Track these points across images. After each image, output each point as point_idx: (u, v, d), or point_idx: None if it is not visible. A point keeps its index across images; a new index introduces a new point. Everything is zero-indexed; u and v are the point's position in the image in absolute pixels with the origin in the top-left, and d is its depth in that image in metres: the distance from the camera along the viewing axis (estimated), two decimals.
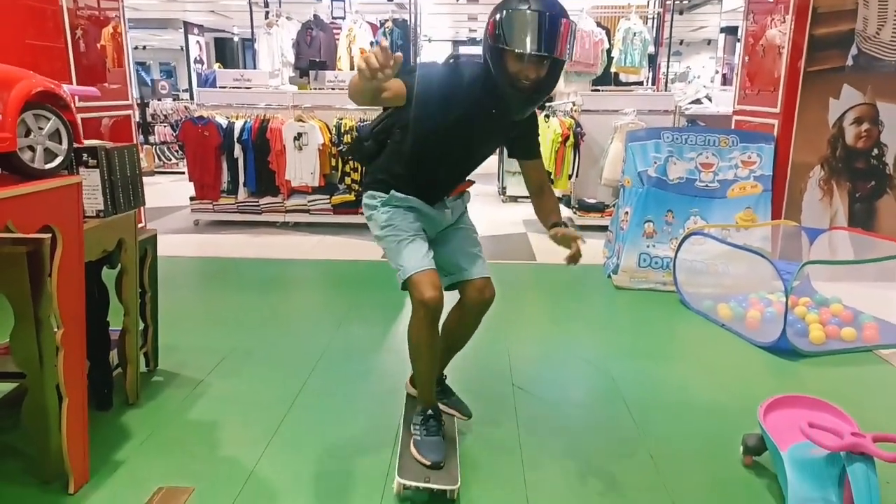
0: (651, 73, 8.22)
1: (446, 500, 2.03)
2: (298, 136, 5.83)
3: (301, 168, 5.90)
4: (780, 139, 4.42)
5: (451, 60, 2.10)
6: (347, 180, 5.98)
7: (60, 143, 2.01)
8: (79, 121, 2.09)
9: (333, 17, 7.68)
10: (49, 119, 1.96)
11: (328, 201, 6.06)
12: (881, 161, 4.39)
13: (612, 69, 7.74)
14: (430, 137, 2.02)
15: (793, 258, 4.05)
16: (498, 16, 1.86)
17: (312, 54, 7.26)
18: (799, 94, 4.30)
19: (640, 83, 8.16)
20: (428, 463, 2.05)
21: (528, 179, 2.28)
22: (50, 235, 1.87)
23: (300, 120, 5.88)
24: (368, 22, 7.81)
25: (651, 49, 7.84)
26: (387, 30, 7.49)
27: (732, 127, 5.01)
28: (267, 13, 7.81)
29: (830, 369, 3.15)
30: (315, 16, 7.60)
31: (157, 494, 2.07)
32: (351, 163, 5.90)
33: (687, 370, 3.12)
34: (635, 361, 3.20)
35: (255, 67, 8.14)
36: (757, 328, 3.53)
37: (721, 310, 3.79)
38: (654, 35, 8.10)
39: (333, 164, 5.96)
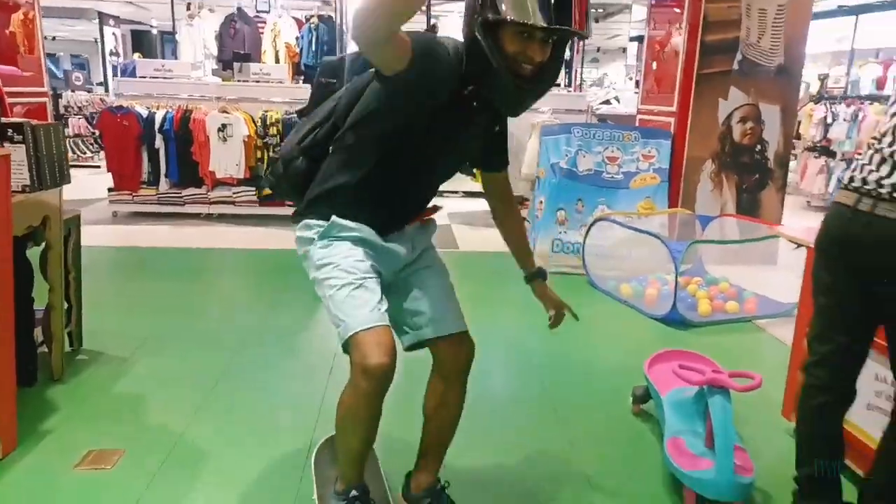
0: (567, 77, 8.65)
1: None
2: (223, 128, 5.84)
3: (226, 159, 5.91)
4: (677, 135, 4.85)
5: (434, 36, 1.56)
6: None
7: None
8: (4, 95, 2.14)
9: (258, 11, 7.70)
10: None
11: (254, 193, 6.10)
12: (763, 156, 4.90)
13: None
14: (400, 134, 1.53)
15: (687, 241, 4.46)
16: None
17: (236, 47, 7.25)
18: (693, 95, 4.73)
19: (558, 85, 8.59)
20: None
21: (495, 195, 1.86)
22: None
23: (224, 111, 5.89)
24: (294, 17, 7.86)
25: (567, 55, 8.27)
26: (312, 25, 7.58)
27: (636, 125, 5.42)
28: (189, 4, 7.73)
29: (714, 336, 3.55)
30: (239, 9, 7.59)
31: (87, 456, 2.15)
32: (273, 152, 5.96)
33: (592, 340, 3.43)
34: (547, 335, 3.47)
35: (176, 59, 8.02)
36: (654, 304, 3.90)
37: (623, 289, 4.15)
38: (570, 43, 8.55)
39: (259, 155, 6.00)
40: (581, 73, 9.40)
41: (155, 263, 4.70)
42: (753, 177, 4.92)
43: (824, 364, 1.77)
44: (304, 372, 2.93)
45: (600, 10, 12.02)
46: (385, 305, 1.55)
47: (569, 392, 2.82)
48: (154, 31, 16.32)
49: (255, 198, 6.12)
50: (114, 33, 14.75)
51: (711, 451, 1.95)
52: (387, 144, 1.55)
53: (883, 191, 1.56)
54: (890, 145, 1.60)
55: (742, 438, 2.13)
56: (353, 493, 1.63)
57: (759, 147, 4.85)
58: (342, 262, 1.55)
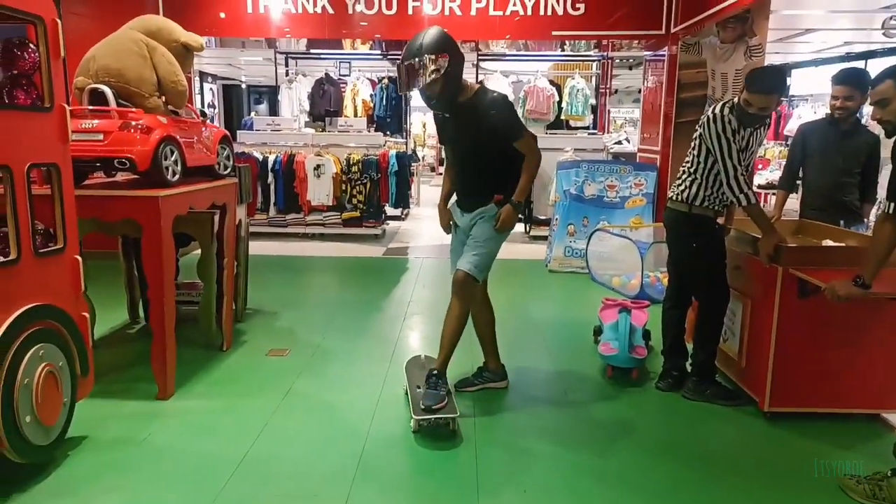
0: (593, 119, 10.19)
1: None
2: (317, 167, 7.68)
3: (319, 191, 7.72)
4: (661, 168, 6.33)
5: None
6: (354, 201, 7.81)
7: (229, 160, 3.84)
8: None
9: (341, 75, 9.63)
10: (226, 149, 3.78)
11: (339, 217, 7.87)
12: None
13: (563, 117, 9.72)
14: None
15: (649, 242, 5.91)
16: None
17: (325, 104, 9.17)
18: (672, 138, 6.23)
19: (586, 127, 10.14)
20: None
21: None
22: (224, 204, 3.68)
23: (318, 155, 7.74)
24: (368, 78, 9.77)
25: (592, 101, 9.86)
26: (383, 85, 9.45)
27: (637, 160, 6.93)
28: (287, 71, 9.75)
29: None
30: (326, 73, 9.55)
31: (270, 351, 3.85)
32: (356, 187, 7.74)
33: (584, 312, 4.92)
34: (557, 314, 5.03)
35: (272, 113, 10.01)
36: (634, 289, 5.37)
37: (615, 281, 5.63)
38: (596, 89, 10.13)
39: (343, 188, 7.79)
40: (609, 114, 10.92)
41: (269, 265, 6.47)
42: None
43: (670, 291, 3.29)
44: (383, 323, 4.57)
45: (632, 60, 13.60)
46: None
47: (566, 347, 4.30)
48: (242, 87, 18.83)
49: (339, 220, 7.89)
50: (211, 89, 17.26)
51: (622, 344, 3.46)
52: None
53: (672, 194, 3.11)
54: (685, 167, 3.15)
55: (645, 343, 3.62)
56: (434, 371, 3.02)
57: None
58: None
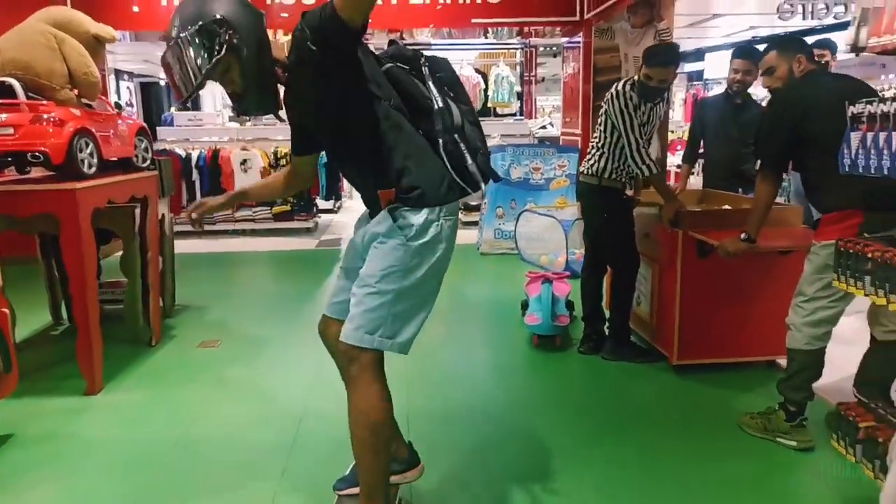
0: (520, 106, 10.45)
1: None
2: (244, 162, 7.59)
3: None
4: (582, 150, 6.59)
5: None
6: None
7: (147, 152, 3.79)
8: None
9: None
10: (143, 141, 3.74)
11: (269, 211, 7.81)
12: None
13: (489, 104, 9.93)
14: None
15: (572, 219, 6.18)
16: None
17: None
18: (590, 121, 6.49)
19: (513, 114, 10.38)
20: None
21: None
22: (145, 197, 3.64)
23: (244, 149, 7.65)
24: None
25: (517, 88, 10.10)
26: None
27: (560, 143, 7.19)
28: None
29: None
30: None
31: (201, 343, 3.84)
32: None
33: (514, 289, 5.10)
34: (488, 293, 5.20)
35: (197, 108, 9.79)
36: (561, 266, 5.60)
37: (542, 259, 5.85)
38: (521, 76, 10.39)
39: None
40: (536, 101, 11.21)
41: (199, 262, 6.38)
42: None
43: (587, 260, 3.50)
44: (316, 311, 4.62)
45: (555, 48, 13.94)
46: (335, 300, 2.02)
47: (492, 316, 4.50)
48: (161, 84, 18.21)
49: (270, 215, 7.82)
50: (128, 87, 16.62)
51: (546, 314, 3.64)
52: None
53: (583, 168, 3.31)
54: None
55: (569, 312, 3.82)
56: None
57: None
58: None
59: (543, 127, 8.45)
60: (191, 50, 1.64)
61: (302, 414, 2.92)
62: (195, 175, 7.64)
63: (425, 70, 1.88)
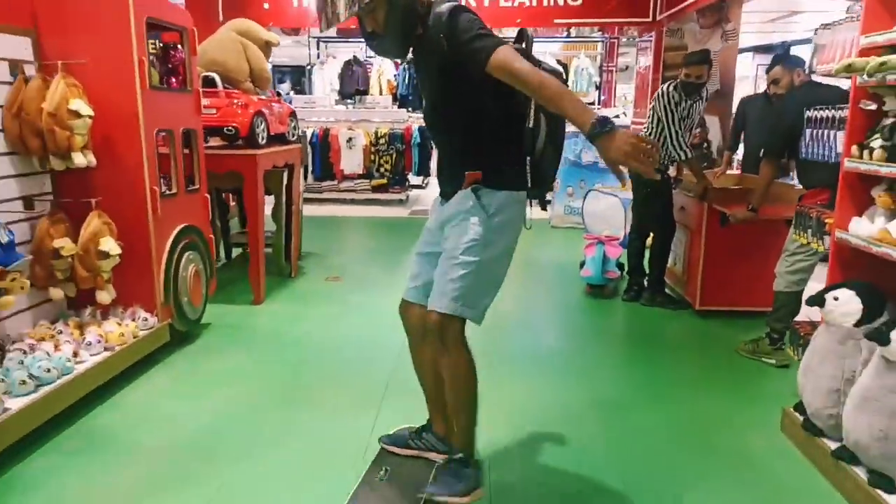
0: (598, 95, 11.14)
1: None
2: (349, 140, 8.77)
3: (351, 161, 8.82)
4: None
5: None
6: (381, 169, 8.89)
7: (295, 129, 4.93)
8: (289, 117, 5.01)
9: (367, 57, 10.66)
10: (293, 121, 4.88)
11: (369, 183, 8.98)
12: (708, 150, 7.31)
13: None
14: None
15: None
16: None
17: (354, 83, 10.23)
18: None
19: (592, 103, 11.10)
20: None
21: None
22: (291, 164, 4.79)
23: (350, 129, 8.83)
24: (392, 60, 10.79)
25: (596, 79, 10.82)
26: (404, 66, 10.46)
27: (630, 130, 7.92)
28: (318, 54, 10.81)
29: None
30: (354, 56, 10.59)
31: (328, 278, 4.99)
32: (384, 157, 8.81)
33: (578, 255, 5.99)
34: (555, 255, 6.13)
35: (299, 92, 11.09)
36: (619, 240, 6.43)
37: (604, 233, 6.69)
38: (600, 67, 11.08)
39: (372, 158, 8.87)
40: (616, 90, 11.86)
41: (314, 223, 7.60)
42: (702, 164, 7.32)
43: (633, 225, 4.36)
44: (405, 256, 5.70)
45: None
46: (413, 285, 2.15)
47: (556, 272, 5.44)
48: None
49: (369, 187, 8.99)
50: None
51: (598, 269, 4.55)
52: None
53: None
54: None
55: (621, 271, 4.69)
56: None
57: (705, 145, 7.27)
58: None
59: (616, 116, 9.18)
60: None
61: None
62: (308, 150, 8.88)
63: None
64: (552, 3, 7.25)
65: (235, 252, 5.56)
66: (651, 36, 7.46)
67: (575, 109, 1.65)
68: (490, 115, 1.92)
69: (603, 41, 11.00)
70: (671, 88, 4.09)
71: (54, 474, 2.32)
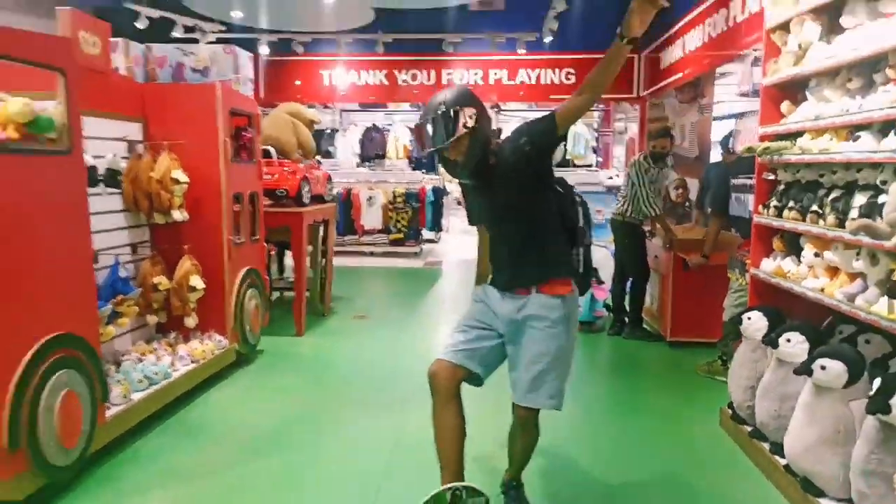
0: (595, 157, 12.16)
1: None
2: (370, 198, 9.74)
3: (371, 218, 9.76)
4: None
5: None
6: (398, 225, 9.81)
7: (331, 191, 5.87)
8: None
9: (385, 125, 11.79)
10: (330, 184, 5.82)
11: (387, 238, 9.89)
12: (689, 208, 8.19)
13: (567, 157, 11.72)
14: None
15: None
16: None
17: (373, 148, 11.31)
18: None
19: (589, 165, 12.10)
20: None
21: None
22: (327, 220, 5.70)
23: (370, 188, 9.81)
24: (407, 127, 11.91)
25: (593, 143, 11.86)
26: None
27: None
28: (340, 121, 11.96)
29: None
30: (374, 124, 11.72)
31: (356, 316, 5.82)
32: (400, 214, 9.74)
33: None
34: None
35: (324, 155, 12.17)
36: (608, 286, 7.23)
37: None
38: (598, 132, 12.14)
39: (390, 215, 9.81)
40: (612, 153, 12.88)
41: (339, 272, 8.47)
42: (683, 220, 8.20)
43: (615, 273, 5.19)
44: (428, 303, 6.52)
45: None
46: (463, 348, 2.35)
47: None
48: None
49: (387, 241, 9.90)
50: None
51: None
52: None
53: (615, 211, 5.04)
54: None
55: (605, 308, 5.48)
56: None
57: (686, 203, 8.15)
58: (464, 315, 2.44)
59: (611, 178, 10.14)
60: (444, 123, 2.17)
61: (422, 355, 4.77)
62: None
63: (577, 197, 2.42)
64: (548, 80, 8.32)
65: (274, 295, 6.42)
66: (636, 109, 8.48)
67: (611, 64, 2.03)
68: (555, 212, 2.33)
69: (598, 111, 12.10)
70: (642, 158, 5.00)
71: (165, 450, 3.12)
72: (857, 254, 2.46)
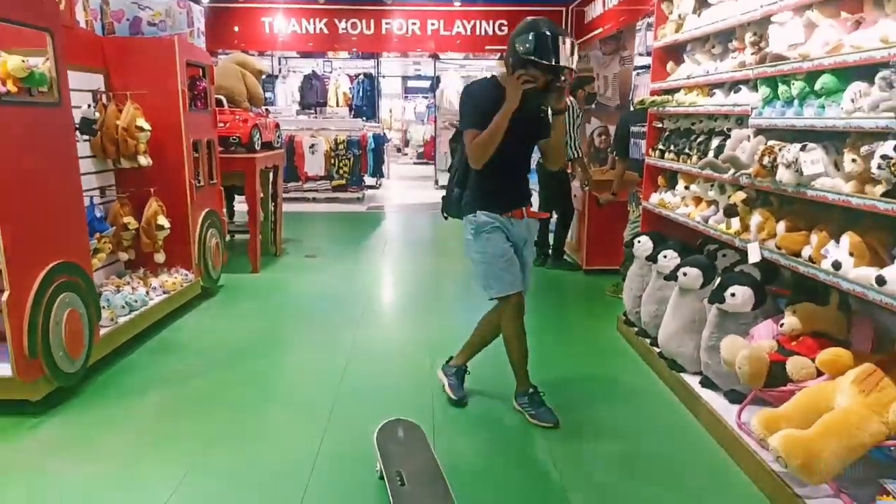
0: None
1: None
2: (312, 146, 10.06)
3: (314, 164, 10.11)
4: None
5: (483, 80, 2.82)
6: (341, 171, 10.20)
7: (280, 138, 6.25)
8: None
9: (325, 72, 11.96)
10: (278, 131, 6.20)
11: (329, 184, 10.28)
12: (611, 151, 8.94)
13: None
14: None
15: None
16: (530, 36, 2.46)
17: (313, 96, 11.52)
18: None
19: None
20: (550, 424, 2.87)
21: (545, 150, 2.92)
22: (277, 166, 6.11)
23: (312, 136, 10.12)
24: (347, 74, 12.14)
25: None
26: (359, 80, 11.82)
27: None
28: (280, 69, 12.06)
29: None
30: (313, 71, 11.88)
31: (312, 255, 6.32)
32: (342, 161, 10.13)
33: None
34: None
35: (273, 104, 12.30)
36: None
37: None
38: None
39: (332, 162, 10.18)
40: None
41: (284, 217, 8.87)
42: (606, 164, 8.97)
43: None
44: (371, 242, 7.08)
45: None
46: (518, 278, 2.90)
47: None
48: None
49: (330, 187, 10.29)
50: None
51: None
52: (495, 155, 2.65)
53: None
54: None
55: None
56: (530, 390, 3.04)
57: (609, 148, 8.89)
58: (493, 249, 2.80)
59: None
60: (573, 51, 2.53)
61: (370, 284, 5.38)
62: None
63: None
64: (482, 31, 8.77)
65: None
66: None
67: (498, 130, 2.59)
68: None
69: None
70: (574, 104, 5.60)
71: (152, 363, 3.62)
72: (711, 185, 3.17)
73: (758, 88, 2.66)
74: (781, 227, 2.50)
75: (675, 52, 3.75)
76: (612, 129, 8.74)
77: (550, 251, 5.96)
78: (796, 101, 2.40)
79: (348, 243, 7.20)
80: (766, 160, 2.40)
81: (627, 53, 8.40)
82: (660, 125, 3.91)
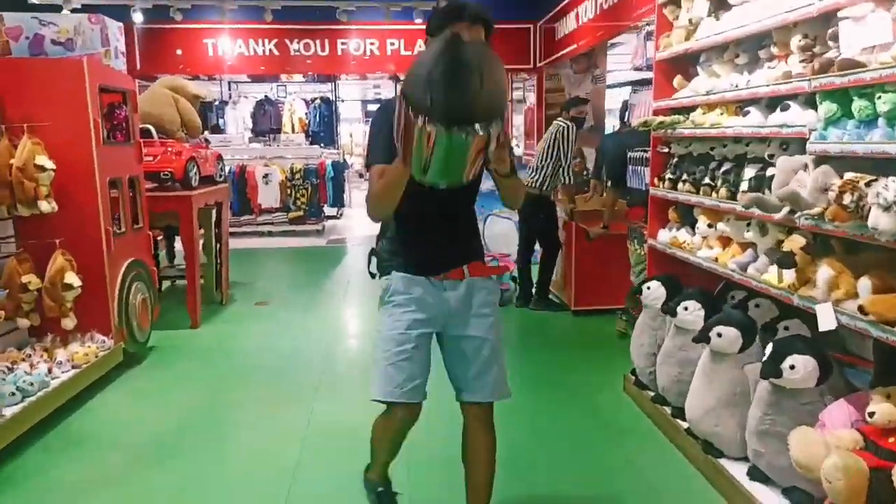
0: None
1: None
2: (266, 176, 9.31)
3: (268, 196, 9.35)
4: None
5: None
6: (298, 202, 9.46)
7: (222, 171, 5.51)
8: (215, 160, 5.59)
9: (279, 97, 11.24)
10: (220, 163, 5.45)
11: (286, 216, 9.51)
12: (587, 178, 8.43)
13: None
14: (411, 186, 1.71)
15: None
16: None
17: (267, 122, 10.78)
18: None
19: None
20: None
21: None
22: (220, 202, 5.36)
23: (266, 165, 9.37)
24: (303, 99, 11.44)
25: None
26: (315, 105, 11.14)
27: (522, 161, 8.94)
28: (230, 94, 11.29)
29: None
30: (266, 96, 11.16)
31: (258, 303, 5.55)
32: (300, 191, 9.39)
33: None
34: None
35: (222, 130, 11.52)
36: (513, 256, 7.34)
37: (502, 250, 7.59)
38: None
39: (289, 192, 9.43)
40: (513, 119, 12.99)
41: (234, 256, 8.06)
42: (583, 189, 8.44)
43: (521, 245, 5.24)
44: (331, 285, 6.34)
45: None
46: (415, 383, 1.92)
47: None
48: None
49: (286, 219, 9.52)
50: None
51: None
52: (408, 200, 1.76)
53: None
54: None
55: (513, 282, 5.54)
56: (380, 488, 2.27)
57: (584, 172, 8.37)
58: (389, 331, 1.92)
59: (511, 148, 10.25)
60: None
61: (330, 339, 4.65)
62: None
63: None
64: None
65: (165, 285, 6.00)
66: (533, 81, 8.55)
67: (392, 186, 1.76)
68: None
69: None
70: (569, 127, 4.98)
71: (43, 469, 2.82)
72: (748, 225, 2.57)
73: (816, 105, 2.08)
74: (866, 284, 1.90)
75: (683, 64, 3.18)
76: (587, 151, 8.25)
77: (534, 289, 5.33)
78: (883, 121, 1.81)
79: (306, 285, 6.45)
80: (847, 199, 1.80)
81: (599, 71, 7.92)
82: (665, 150, 3.33)
